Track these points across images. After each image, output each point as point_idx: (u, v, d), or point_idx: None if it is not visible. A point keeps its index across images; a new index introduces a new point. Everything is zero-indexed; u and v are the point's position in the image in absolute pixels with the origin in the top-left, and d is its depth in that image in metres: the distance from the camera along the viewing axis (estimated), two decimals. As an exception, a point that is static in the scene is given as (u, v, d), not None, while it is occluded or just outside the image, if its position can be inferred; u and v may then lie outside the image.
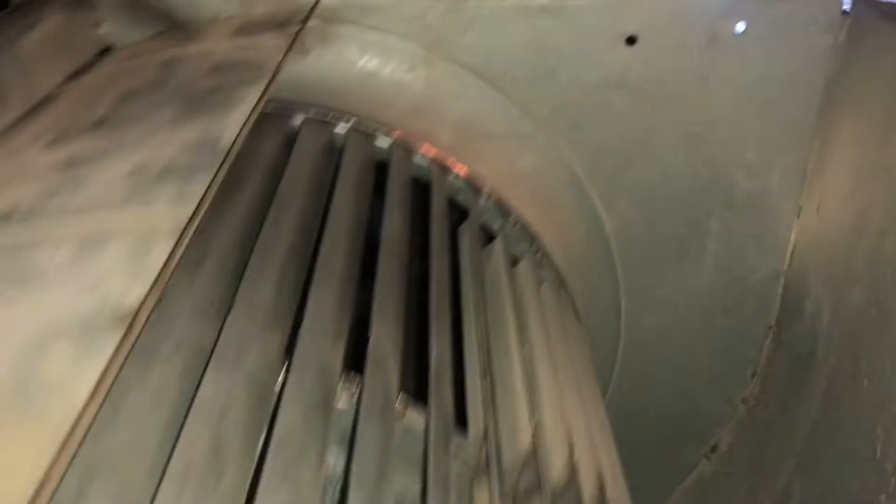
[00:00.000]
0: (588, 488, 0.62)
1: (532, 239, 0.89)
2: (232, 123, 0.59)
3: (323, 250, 0.64)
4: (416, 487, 0.51)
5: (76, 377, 0.40)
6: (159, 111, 0.63)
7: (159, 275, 0.46)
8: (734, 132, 0.94)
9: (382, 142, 0.83)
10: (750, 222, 1.00)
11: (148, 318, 0.44)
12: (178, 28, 0.83)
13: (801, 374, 1.00)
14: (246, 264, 0.58)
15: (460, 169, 0.86)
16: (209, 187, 0.55)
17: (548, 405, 0.66)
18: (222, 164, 0.56)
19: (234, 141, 0.58)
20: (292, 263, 0.60)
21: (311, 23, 0.85)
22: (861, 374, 0.84)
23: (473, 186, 0.86)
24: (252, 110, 0.60)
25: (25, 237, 0.50)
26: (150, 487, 0.41)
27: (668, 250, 1.01)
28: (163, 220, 0.51)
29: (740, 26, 0.87)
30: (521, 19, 0.86)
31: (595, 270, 1.01)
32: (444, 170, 0.85)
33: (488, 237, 0.87)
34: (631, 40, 0.88)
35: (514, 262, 0.85)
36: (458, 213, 0.85)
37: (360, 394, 0.52)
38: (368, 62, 0.85)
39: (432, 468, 0.51)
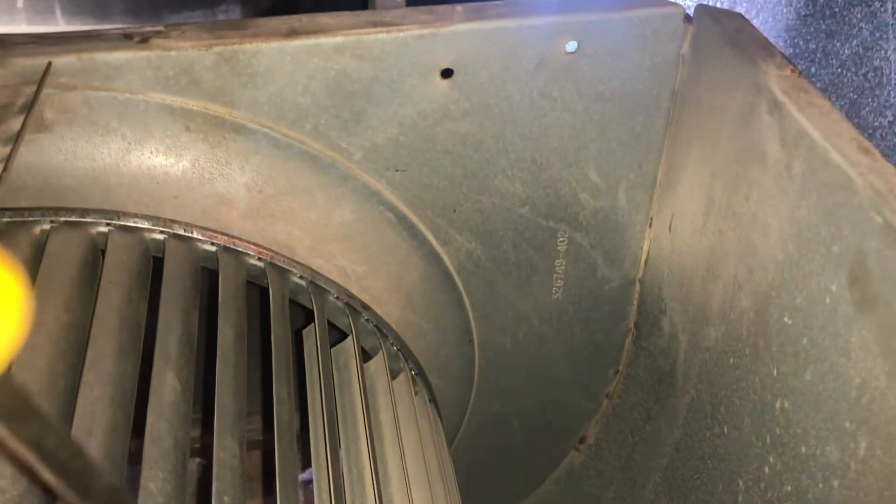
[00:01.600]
0: None
1: (360, 308, 0.78)
2: None
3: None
4: None
5: None
6: None
7: None
8: (575, 155, 0.83)
9: (157, 235, 0.68)
10: (599, 239, 0.91)
11: None
12: None
13: (662, 388, 0.95)
14: None
15: (255, 249, 0.72)
16: None
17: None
18: None
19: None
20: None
21: (47, 91, 0.67)
22: (721, 418, 0.79)
23: (278, 266, 0.73)
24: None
25: None
26: None
27: (514, 274, 0.92)
28: None
29: (571, 45, 0.75)
30: (313, 62, 0.71)
31: (440, 304, 0.91)
32: (235, 253, 0.71)
33: (308, 316, 0.76)
34: (447, 73, 0.74)
35: (338, 336, 0.75)
36: (263, 293, 0.74)
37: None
38: (126, 137, 0.69)
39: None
